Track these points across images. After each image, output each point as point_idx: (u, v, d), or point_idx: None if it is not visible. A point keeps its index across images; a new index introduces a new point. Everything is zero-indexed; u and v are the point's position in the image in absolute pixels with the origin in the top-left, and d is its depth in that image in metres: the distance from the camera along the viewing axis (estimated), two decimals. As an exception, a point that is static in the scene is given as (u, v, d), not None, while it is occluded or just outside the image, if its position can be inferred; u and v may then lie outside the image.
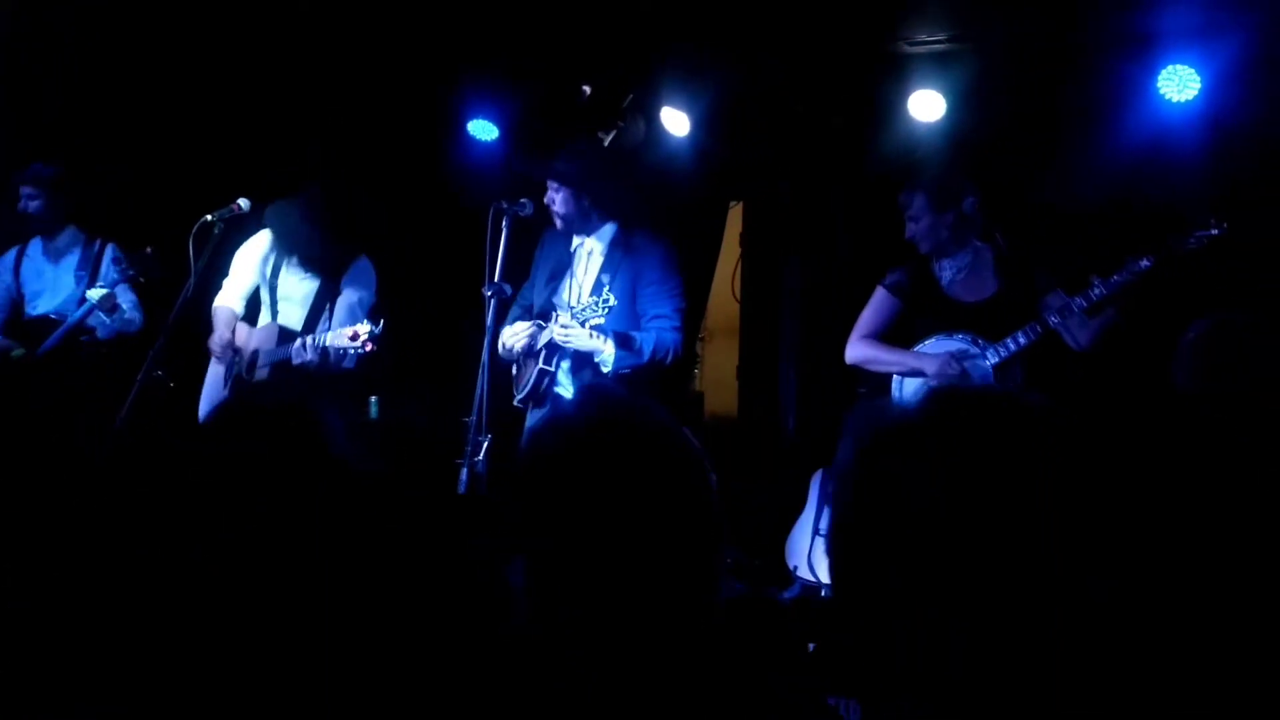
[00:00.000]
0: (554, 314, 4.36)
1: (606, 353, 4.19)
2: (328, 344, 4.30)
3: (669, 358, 4.32)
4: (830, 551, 1.15)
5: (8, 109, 5.18)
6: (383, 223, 5.14)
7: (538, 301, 4.57)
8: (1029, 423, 1.06)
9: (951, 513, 1.02)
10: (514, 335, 4.42)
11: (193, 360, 4.75)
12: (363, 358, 4.30)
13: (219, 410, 1.62)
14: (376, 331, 4.19)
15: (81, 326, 4.81)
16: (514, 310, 4.60)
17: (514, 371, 4.54)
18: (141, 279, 4.83)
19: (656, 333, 4.29)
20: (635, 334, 4.27)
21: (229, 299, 4.80)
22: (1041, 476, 1.02)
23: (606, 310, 4.10)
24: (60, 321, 4.87)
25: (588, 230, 4.45)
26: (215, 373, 4.76)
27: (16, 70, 5.17)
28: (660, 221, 5.27)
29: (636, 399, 1.51)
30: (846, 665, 1.12)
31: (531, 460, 1.46)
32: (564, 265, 4.50)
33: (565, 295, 4.45)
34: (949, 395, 1.12)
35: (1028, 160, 4.82)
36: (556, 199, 4.38)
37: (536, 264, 4.65)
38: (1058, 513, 1.02)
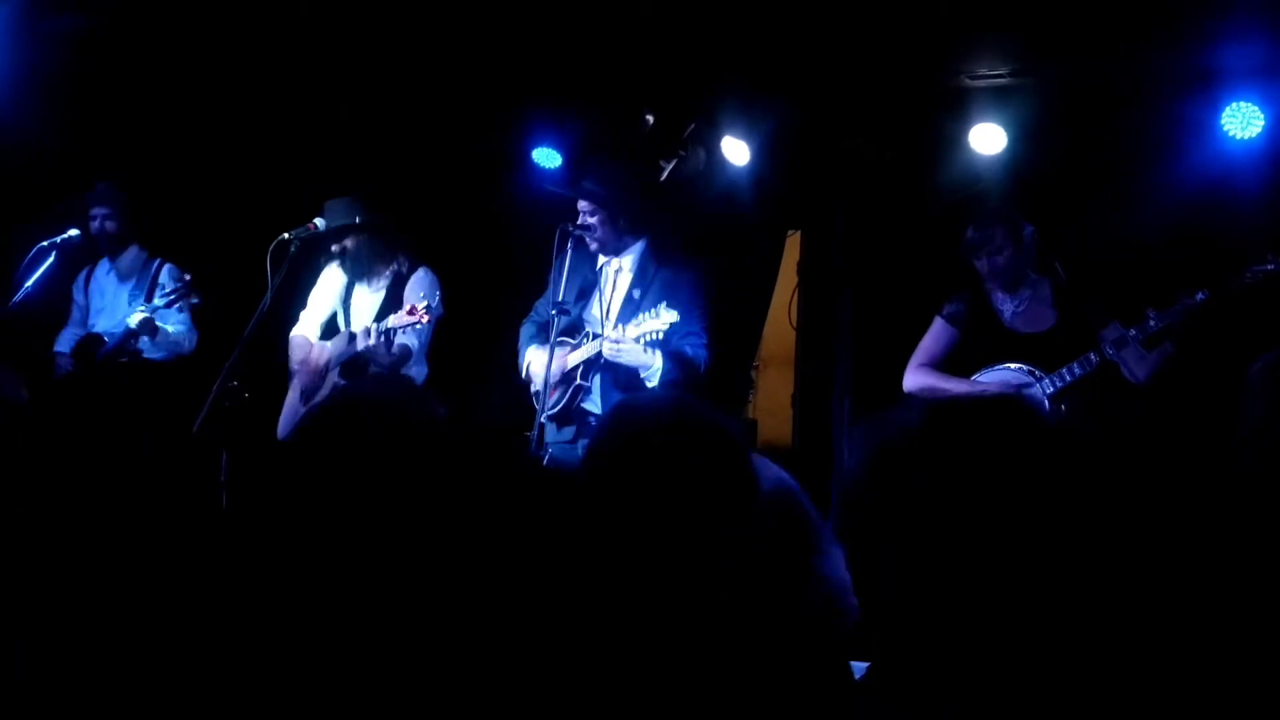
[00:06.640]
0: (585, 331, 4.39)
1: (655, 365, 4.24)
2: (389, 325, 4.45)
3: (701, 369, 4.38)
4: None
5: (73, 128, 5.25)
6: (433, 233, 5.22)
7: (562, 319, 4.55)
8: (1024, 431, 1.13)
9: (950, 513, 1.09)
10: (540, 363, 4.43)
11: (269, 375, 4.81)
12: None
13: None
14: (434, 306, 4.39)
15: (123, 347, 4.86)
16: (528, 328, 4.63)
17: (533, 388, 4.54)
18: (194, 300, 4.89)
19: (691, 348, 4.34)
20: (677, 349, 4.30)
21: (305, 329, 4.90)
22: (1034, 480, 1.10)
23: (669, 326, 4.12)
24: (108, 341, 4.92)
25: (618, 250, 4.49)
26: (295, 393, 4.84)
27: (82, 89, 5.26)
28: (712, 247, 5.33)
29: (708, 407, 1.58)
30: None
31: (601, 445, 1.53)
32: (590, 283, 4.52)
33: (595, 312, 4.47)
34: (946, 407, 1.21)
35: (1089, 194, 4.81)
36: (593, 221, 4.42)
37: (557, 280, 4.62)
38: (1050, 516, 1.08)
